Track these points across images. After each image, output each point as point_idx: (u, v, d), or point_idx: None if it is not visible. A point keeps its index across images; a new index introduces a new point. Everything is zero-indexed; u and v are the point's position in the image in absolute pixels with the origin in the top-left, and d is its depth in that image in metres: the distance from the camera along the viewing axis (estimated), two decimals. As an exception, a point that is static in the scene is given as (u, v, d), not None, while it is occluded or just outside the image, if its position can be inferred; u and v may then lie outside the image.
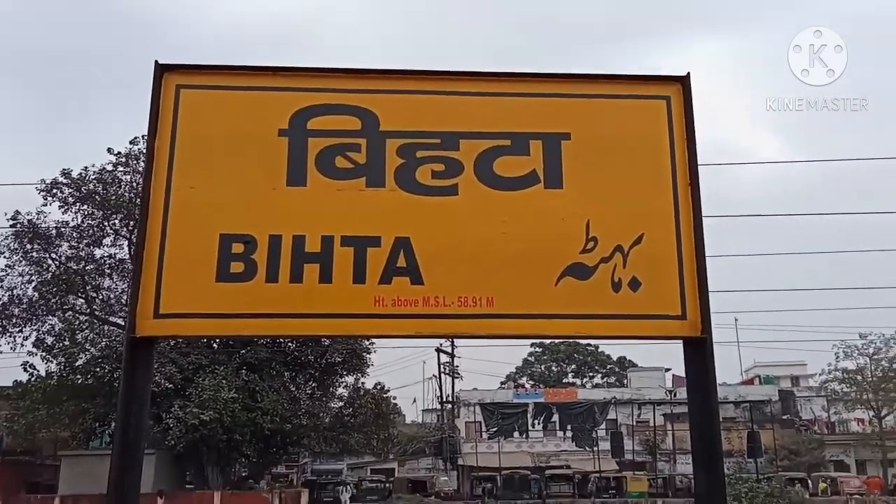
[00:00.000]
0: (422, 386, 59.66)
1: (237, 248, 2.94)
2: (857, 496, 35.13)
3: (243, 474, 37.67)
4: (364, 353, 35.74)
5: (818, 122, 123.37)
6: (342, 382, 37.73)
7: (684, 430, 45.62)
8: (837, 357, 45.57)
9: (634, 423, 49.52)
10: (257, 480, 37.77)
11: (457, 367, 49.77)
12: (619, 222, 3.02)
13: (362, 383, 37.56)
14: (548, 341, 68.08)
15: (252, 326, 3.00)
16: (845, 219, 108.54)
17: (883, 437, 44.57)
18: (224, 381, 29.70)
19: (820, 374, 51.71)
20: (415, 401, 64.90)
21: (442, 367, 48.38)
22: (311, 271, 2.91)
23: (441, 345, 47.43)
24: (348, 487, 38.09)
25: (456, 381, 50.92)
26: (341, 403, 38.01)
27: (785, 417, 51.01)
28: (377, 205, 3.01)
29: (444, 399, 49.02)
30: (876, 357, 44.29)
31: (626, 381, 59.59)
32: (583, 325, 2.97)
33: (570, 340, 66.91)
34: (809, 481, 37.86)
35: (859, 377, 45.00)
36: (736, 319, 62.45)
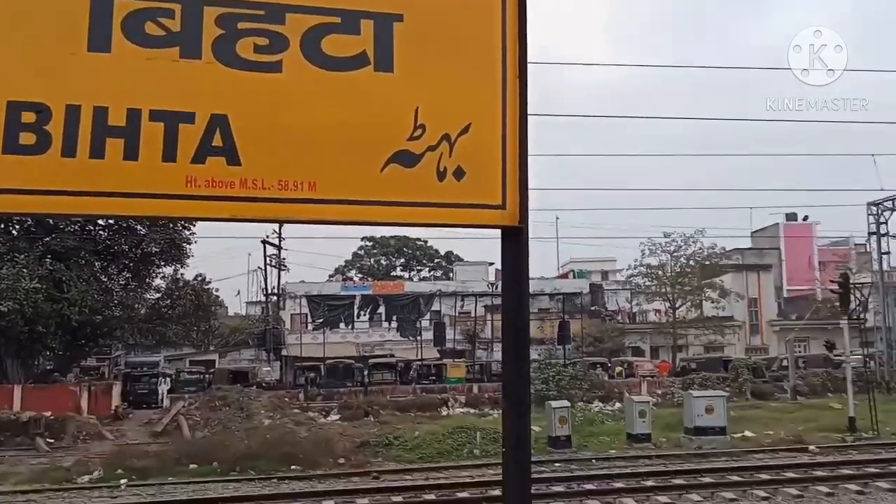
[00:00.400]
0: (246, 278, 58.55)
1: (28, 117, 2.63)
2: (648, 377, 39.49)
3: (48, 367, 35.88)
4: (184, 244, 34.48)
5: (649, 33, 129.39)
6: (159, 273, 36.42)
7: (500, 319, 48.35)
8: (643, 254, 50.02)
9: (457, 315, 51.93)
10: (64, 373, 36.05)
11: (283, 259, 49.29)
12: (447, 111, 3.01)
13: (182, 274, 36.47)
14: (378, 235, 68.93)
15: (45, 204, 2.72)
16: (669, 124, 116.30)
17: (675, 325, 49.99)
18: (25, 270, 27.69)
19: (626, 270, 56.70)
20: (238, 293, 63.93)
21: (268, 259, 47.71)
22: (115, 147, 2.66)
23: (267, 236, 46.62)
24: (166, 379, 37.25)
25: (283, 273, 50.56)
26: (158, 295, 36.79)
27: (593, 308, 55.59)
28: (192, 78, 2.78)
29: (269, 291, 48.62)
30: (676, 254, 49.00)
31: (451, 275, 61.89)
32: (407, 213, 2.99)
33: (400, 235, 68.21)
34: (609, 365, 41.91)
35: (660, 272, 49.71)
36: (557, 218, 66.20)
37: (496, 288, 51.72)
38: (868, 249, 46.58)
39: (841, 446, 21.46)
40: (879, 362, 39.06)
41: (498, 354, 46.37)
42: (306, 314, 51.09)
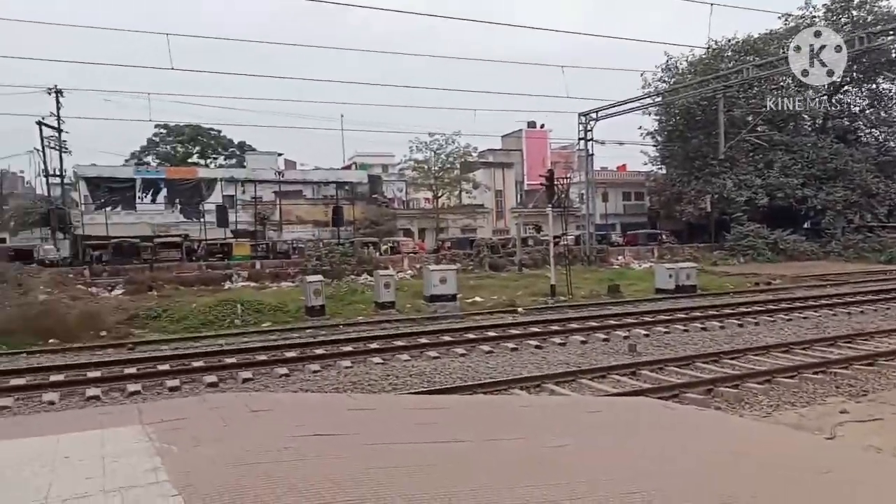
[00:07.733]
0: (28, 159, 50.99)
1: None
2: (410, 254, 40.49)
3: None
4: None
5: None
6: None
7: (288, 204, 47.37)
8: (412, 150, 50.34)
9: (249, 199, 49.30)
10: None
11: (64, 142, 43.22)
12: None
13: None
14: (172, 123, 62.95)
15: None
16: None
17: (437, 211, 51.43)
18: None
19: (399, 163, 56.97)
20: (22, 172, 55.86)
21: (46, 140, 41.60)
22: None
23: (43, 119, 40.51)
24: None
25: (70, 155, 44.45)
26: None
27: (374, 196, 55.20)
28: None
29: (51, 172, 42.72)
30: (438, 151, 49.79)
31: (245, 163, 58.29)
32: None
33: (194, 123, 62.85)
34: (380, 244, 42.24)
35: (425, 166, 50.36)
36: (342, 115, 64.04)
37: (283, 176, 49.79)
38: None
39: (541, 307, 22.91)
40: (583, 241, 42.71)
41: (287, 235, 45.42)
42: (100, 195, 45.33)
